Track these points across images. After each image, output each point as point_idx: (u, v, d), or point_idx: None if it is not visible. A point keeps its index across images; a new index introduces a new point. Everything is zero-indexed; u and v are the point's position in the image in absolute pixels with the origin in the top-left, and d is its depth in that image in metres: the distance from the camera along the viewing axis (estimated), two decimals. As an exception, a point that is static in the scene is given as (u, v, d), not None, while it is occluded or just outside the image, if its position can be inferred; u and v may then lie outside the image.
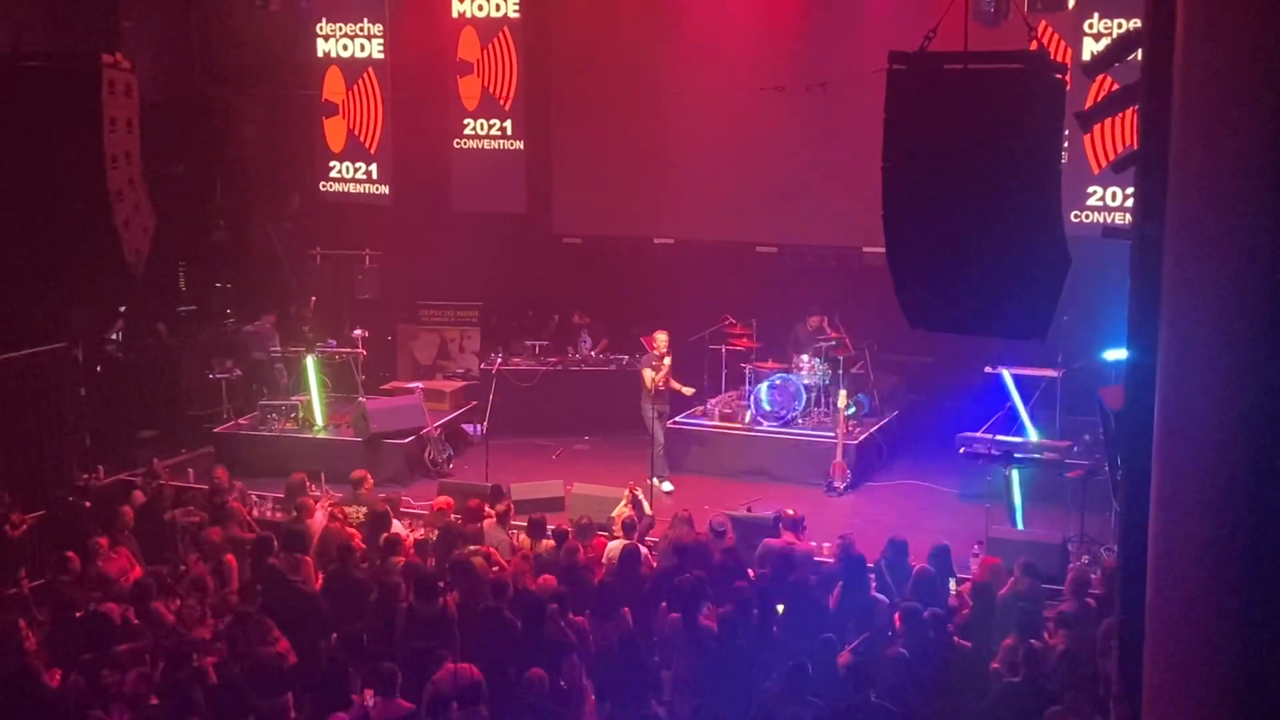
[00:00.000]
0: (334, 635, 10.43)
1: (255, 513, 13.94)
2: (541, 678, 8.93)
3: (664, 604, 10.60)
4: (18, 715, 8.86)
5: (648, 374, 16.00)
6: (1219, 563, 7.19)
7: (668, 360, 16.06)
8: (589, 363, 18.25)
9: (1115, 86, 8.50)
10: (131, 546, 11.87)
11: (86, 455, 16.08)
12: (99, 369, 17.69)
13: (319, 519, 12.41)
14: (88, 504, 13.35)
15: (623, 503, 13.24)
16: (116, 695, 9.14)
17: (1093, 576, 11.97)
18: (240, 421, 17.58)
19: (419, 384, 18.59)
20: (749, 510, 13.59)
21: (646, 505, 13.39)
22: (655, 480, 15.38)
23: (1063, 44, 16.00)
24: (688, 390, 16.50)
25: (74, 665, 9.43)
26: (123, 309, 18.64)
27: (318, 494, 13.40)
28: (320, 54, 19.85)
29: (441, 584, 10.54)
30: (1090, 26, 16.10)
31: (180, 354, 18.76)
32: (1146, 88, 6.82)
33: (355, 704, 9.06)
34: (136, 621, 10.25)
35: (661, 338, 16.12)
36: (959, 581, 11.54)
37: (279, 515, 13.44)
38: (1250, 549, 7.17)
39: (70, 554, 11.26)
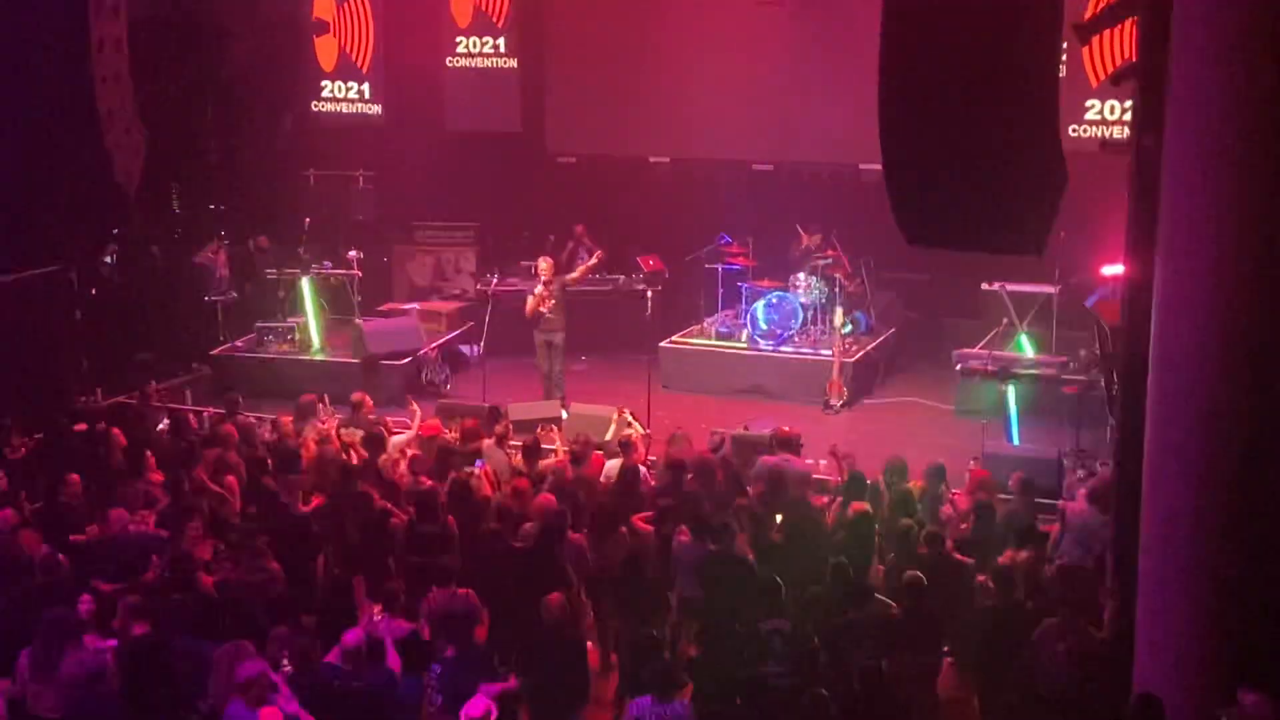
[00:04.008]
0: (336, 554, 10.49)
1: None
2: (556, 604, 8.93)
3: (671, 523, 10.61)
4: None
5: (529, 300, 15.76)
6: (1213, 473, 7.26)
7: (542, 288, 15.57)
8: (584, 281, 17.81)
9: (1114, -2, 8.41)
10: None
11: (84, 378, 16.08)
12: (94, 292, 17.64)
13: (308, 439, 12.45)
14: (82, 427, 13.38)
15: (613, 425, 13.26)
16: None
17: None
18: (237, 344, 17.60)
19: (415, 305, 18.56)
20: (745, 428, 13.62)
21: (639, 426, 13.41)
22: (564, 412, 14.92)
23: (1061, -45, 15.81)
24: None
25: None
26: (116, 231, 18.54)
27: (325, 416, 13.43)
28: (310, -30, 19.61)
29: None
30: (1089, -63, 15.90)
31: (175, 276, 18.70)
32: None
33: (364, 619, 9.13)
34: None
35: (543, 264, 15.87)
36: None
37: (276, 437, 13.47)
38: (1243, 460, 7.23)
39: (72, 475, 11.31)
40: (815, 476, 12.10)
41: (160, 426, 13.76)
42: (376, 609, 9.02)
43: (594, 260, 16.37)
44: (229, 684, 8.11)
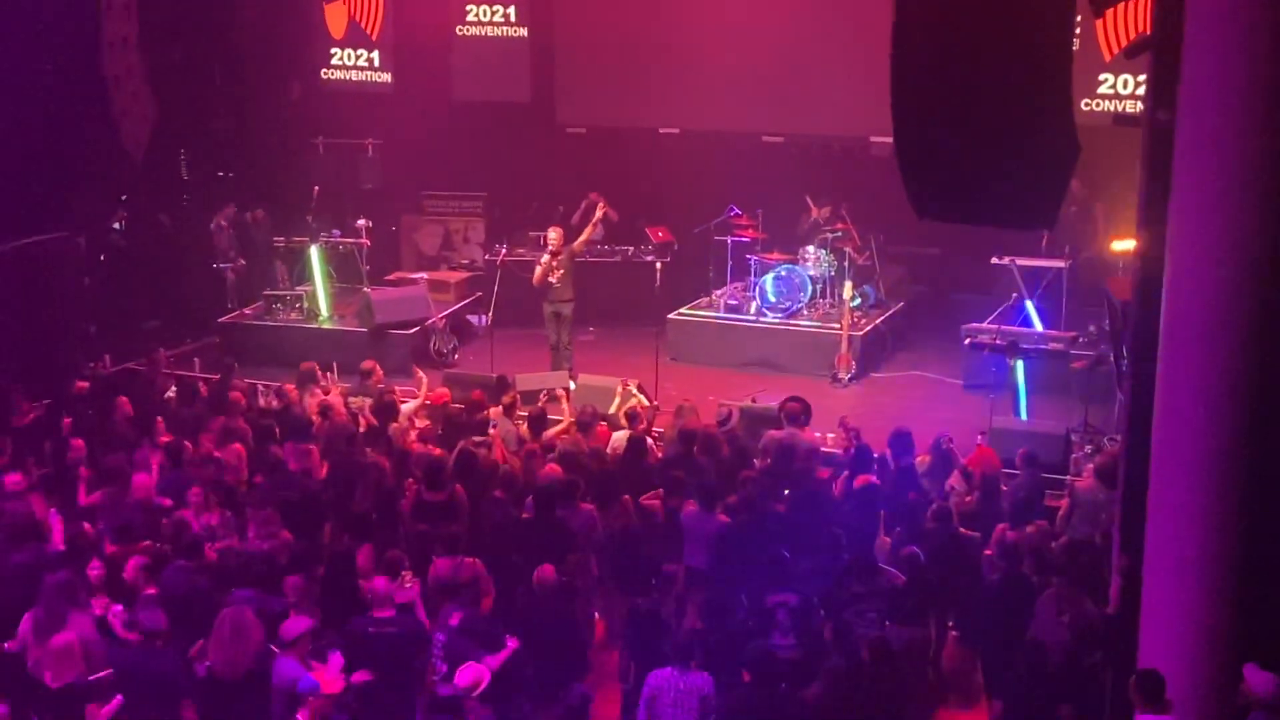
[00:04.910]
0: (341, 521, 10.51)
1: (261, 402, 13.99)
2: (550, 575, 8.94)
3: (678, 495, 10.60)
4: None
5: (537, 269, 15.59)
6: (1221, 450, 7.24)
7: (549, 257, 15.39)
8: (593, 243, 17.62)
9: (1129, -30, 8.35)
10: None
11: (92, 345, 16.10)
12: (102, 259, 17.63)
13: (311, 406, 12.45)
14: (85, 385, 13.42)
15: (618, 397, 13.24)
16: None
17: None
18: (245, 311, 17.61)
19: (423, 275, 18.54)
20: (753, 401, 13.61)
21: (643, 398, 13.39)
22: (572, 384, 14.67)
23: (1076, -73, 15.70)
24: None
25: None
26: (124, 198, 18.52)
27: (328, 384, 13.44)
28: (319, -64, 19.53)
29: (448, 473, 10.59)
30: (1105, -91, 15.78)
31: (183, 243, 18.68)
32: (1162, -29, 6.71)
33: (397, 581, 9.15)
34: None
35: (552, 234, 15.65)
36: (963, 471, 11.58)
37: (281, 405, 13.47)
38: (1251, 436, 7.21)
39: (76, 440, 11.33)
40: (823, 449, 12.08)
41: (168, 394, 13.78)
42: (407, 574, 9.02)
43: (600, 214, 16.26)
44: (240, 648, 8.11)
